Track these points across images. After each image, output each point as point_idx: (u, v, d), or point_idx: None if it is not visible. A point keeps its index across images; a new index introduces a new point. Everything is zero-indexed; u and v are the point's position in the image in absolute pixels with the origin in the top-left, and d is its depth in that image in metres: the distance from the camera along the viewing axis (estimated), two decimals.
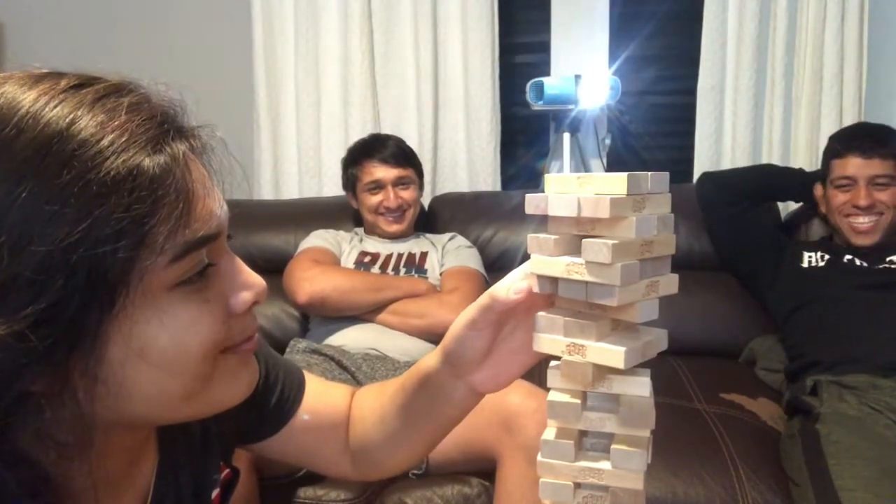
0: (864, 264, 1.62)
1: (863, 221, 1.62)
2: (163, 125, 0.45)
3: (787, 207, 2.04)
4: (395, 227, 1.84)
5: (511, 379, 0.58)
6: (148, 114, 0.44)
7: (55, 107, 0.42)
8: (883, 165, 1.60)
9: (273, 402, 0.69)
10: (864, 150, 1.62)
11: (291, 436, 0.70)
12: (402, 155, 1.86)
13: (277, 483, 1.24)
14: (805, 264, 1.70)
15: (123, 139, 0.42)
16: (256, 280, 0.50)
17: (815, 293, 1.61)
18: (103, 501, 0.50)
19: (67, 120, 0.41)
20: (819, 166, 1.81)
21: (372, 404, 0.70)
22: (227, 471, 0.65)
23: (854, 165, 1.63)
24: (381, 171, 1.83)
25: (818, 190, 1.76)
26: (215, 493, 0.63)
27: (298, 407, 0.70)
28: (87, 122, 0.42)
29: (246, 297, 0.49)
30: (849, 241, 1.66)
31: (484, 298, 0.53)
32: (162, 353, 0.44)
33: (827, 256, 1.68)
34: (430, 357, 0.61)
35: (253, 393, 0.54)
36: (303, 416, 0.70)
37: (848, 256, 1.65)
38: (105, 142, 0.41)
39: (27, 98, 0.42)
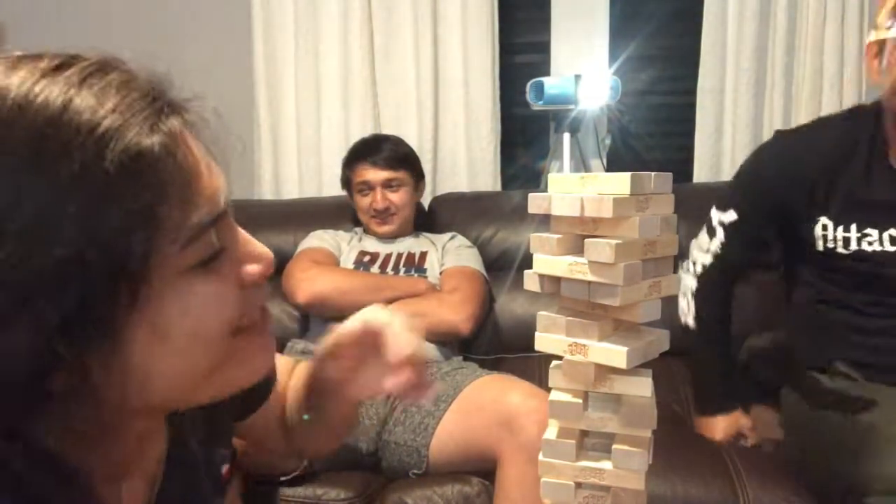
0: None
1: None
2: (155, 102, 0.42)
3: None
4: (384, 229, 1.84)
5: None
6: (139, 91, 0.42)
7: (43, 90, 0.38)
8: None
9: None
10: None
11: (267, 408, 0.71)
12: (394, 157, 1.86)
13: (276, 483, 1.24)
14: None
15: (120, 122, 0.39)
16: (264, 251, 0.50)
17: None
18: (113, 486, 0.49)
19: (60, 103, 0.38)
20: None
21: (298, 384, 0.72)
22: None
23: None
24: (371, 174, 1.83)
25: None
26: (225, 468, 0.63)
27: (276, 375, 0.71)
28: (80, 105, 0.39)
29: (255, 269, 0.48)
30: None
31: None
32: (184, 336, 0.43)
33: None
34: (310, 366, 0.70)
35: None
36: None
37: None
38: (102, 127, 0.38)
39: (12, 83, 0.38)
